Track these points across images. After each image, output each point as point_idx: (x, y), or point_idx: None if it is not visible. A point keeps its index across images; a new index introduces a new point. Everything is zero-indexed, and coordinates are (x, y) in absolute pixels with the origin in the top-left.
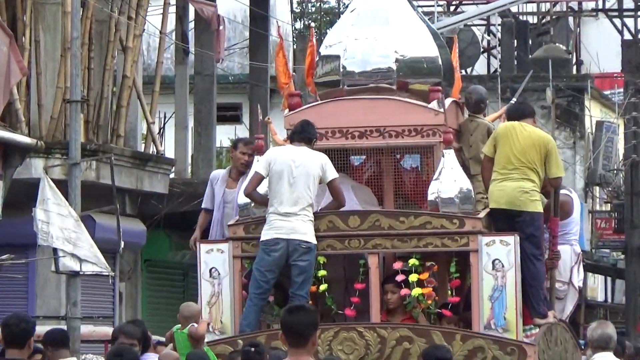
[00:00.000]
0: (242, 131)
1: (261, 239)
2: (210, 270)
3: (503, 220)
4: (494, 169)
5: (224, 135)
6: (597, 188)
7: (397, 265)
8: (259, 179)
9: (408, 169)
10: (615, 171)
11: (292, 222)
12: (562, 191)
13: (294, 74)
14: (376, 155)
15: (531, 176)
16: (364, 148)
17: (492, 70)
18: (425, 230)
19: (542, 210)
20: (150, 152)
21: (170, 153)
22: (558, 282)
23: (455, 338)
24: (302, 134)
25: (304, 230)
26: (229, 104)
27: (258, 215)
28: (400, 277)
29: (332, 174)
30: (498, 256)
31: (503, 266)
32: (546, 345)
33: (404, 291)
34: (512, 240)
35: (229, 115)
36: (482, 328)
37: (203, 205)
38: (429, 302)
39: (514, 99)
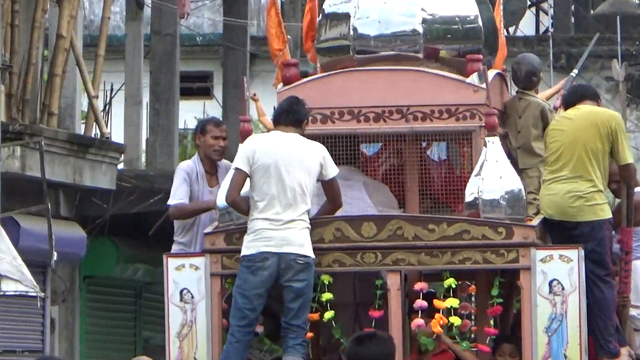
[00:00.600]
0: (213, 109)
1: (243, 254)
2: (181, 292)
3: (558, 233)
4: (545, 167)
5: (190, 113)
6: None
7: (422, 286)
8: (242, 178)
9: (438, 161)
10: None
11: (285, 231)
12: (638, 189)
13: (289, 37)
14: (396, 144)
15: (589, 172)
16: (380, 134)
17: (542, 30)
18: (461, 241)
19: (607, 217)
20: (93, 136)
21: (118, 137)
22: (635, 309)
23: None
24: (291, 115)
25: (300, 241)
26: (196, 73)
27: (243, 221)
28: (421, 304)
29: (333, 170)
30: (557, 276)
31: (563, 289)
32: None
33: (422, 322)
34: (576, 255)
35: (196, 87)
36: None
37: (174, 201)
38: (463, 333)
39: (575, 71)
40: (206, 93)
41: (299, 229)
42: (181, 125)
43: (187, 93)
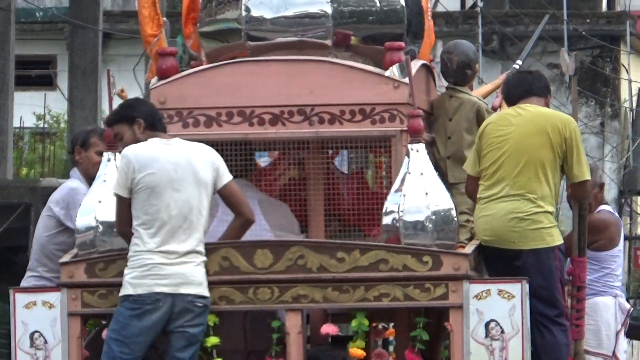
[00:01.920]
0: (57, 101)
1: (126, 293)
2: (32, 335)
3: (497, 263)
4: (480, 181)
5: (27, 107)
6: None
7: (329, 329)
8: (127, 205)
9: (348, 173)
10: None
11: (181, 267)
12: (601, 207)
13: (165, 19)
14: (297, 152)
15: (534, 188)
16: (278, 140)
17: (468, 4)
18: (377, 273)
19: (556, 243)
20: None
21: None
22: (595, 357)
23: None
24: (160, 120)
25: (199, 279)
26: (35, 57)
27: (110, 247)
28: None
29: (227, 175)
30: (495, 316)
31: (503, 332)
32: None
33: None
34: (519, 290)
35: (36, 75)
36: None
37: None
38: None
39: (519, 62)
40: (48, 82)
41: (197, 263)
42: (17, 124)
43: (24, 82)
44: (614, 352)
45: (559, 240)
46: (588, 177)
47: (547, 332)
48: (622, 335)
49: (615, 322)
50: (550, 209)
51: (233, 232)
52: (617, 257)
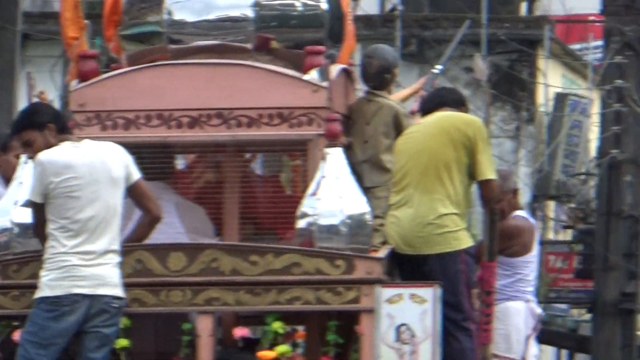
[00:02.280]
0: None
1: (43, 295)
2: None
3: (408, 268)
4: (392, 187)
5: None
6: (552, 203)
7: (241, 332)
8: (42, 211)
9: (264, 177)
10: (583, 177)
11: (98, 268)
12: (515, 213)
13: (87, 22)
14: (214, 155)
15: (437, 190)
16: (195, 143)
17: (387, 8)
18: (290, 276)
19: (463, 246)
20: None
21: None
22: None
23: None
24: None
25: (115, 280)
26: None
27: (24, 249)
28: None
29: (136, 173)
30: (407, 320)
31: (414, 336)
32: None
33: None
34: (431, 295)
35: None
36: None
37: None
38: None
39: (438, 67)
40: None
41: (113, 264)
42: None
43: None
44: (523, 357)
45: (465, 244)
46: (492, 176)
47: (452, 339)
48: (532, 340)
49: (526, 327)
50: (457, 210)
51: (142, 229)
52: (531, 263)
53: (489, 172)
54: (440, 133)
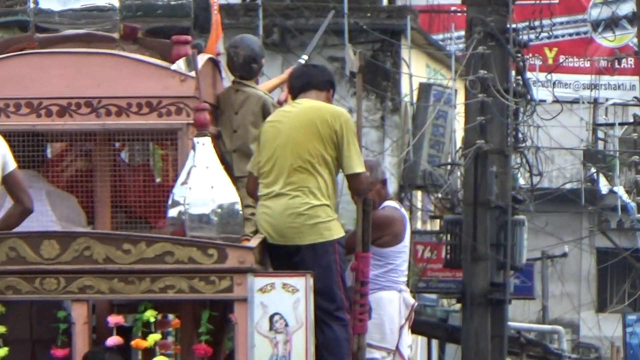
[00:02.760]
0: None
1: None
2: None
3: (280, 258)
4: (259, 179)
5: None
6: (419, 193)
7: (115, 319)
8: None
9: (134, 166)
10: (449, 167)
11: None
12: (386, 203)
13: None
14: (84, 144)
15: (308, 182)
16: (65, 132)
17: None
18: (163, 265)
19: (335, 236)
20: None
21: None
22: (379, 351)
23: None
24: None
25: None
26: None
27: None
28: (115, 341)
29: (12, 162)
30: (279, 309)
31: (287, 325)
32: None
33: None
34: (303, 284)
35: None
36: None
37: None
38: None
39: (305, 57)
40: None
41: None
42: None
43: None
44: (397, 347)
45: (337, 234)
46: (361, 169)
47: (326, 328)
48: (406, 329)
49: (400, 317)
50: (327, 201)
51: (12, 219)
52: (402, 253)
53: (357, 165)
54: (307, 125)
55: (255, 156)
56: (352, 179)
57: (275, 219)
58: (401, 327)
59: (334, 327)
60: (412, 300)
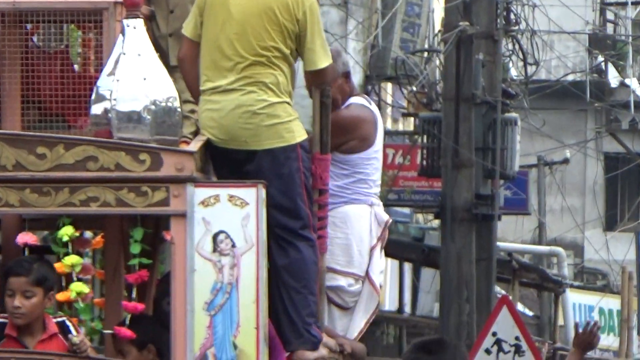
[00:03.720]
0: None
1: None
2: None
3: (227, 165)
4: (202, 67)
5: None
6: (389, 86)
7: (26, 238)
8: None
9: (49, 52)
10: (426, 54)
11: None
12: (351, 100)
13: None
14: None
15: (266, 76)
16: None
17: None
18: (85, 172)
19: (298, 139)
20: None
21: None
22: (345, 277)
23: None
24: None
25: None
26: None
27: None
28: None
29: None
30: (225, 227)
31: (234, 246)
32: None
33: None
34: (254, 196)
35: None
36: None
37: None
38: (83, 309)
39: None
40: None
41: None
42: None
43: None
44: (367, 272)
45: (300, 136)
46: (326, 64)
47: (290, 248)
48: (377, 251)
49: (370, 236)
50: (288, 99)
51: None
52: (373, 160)
53: (322, 60)
54: (264, 11)
55: (192, 17)
56: (316, 74)
57: (223, 118)
58: (372, 249)
59: (300, 247)
60: (385, 217)
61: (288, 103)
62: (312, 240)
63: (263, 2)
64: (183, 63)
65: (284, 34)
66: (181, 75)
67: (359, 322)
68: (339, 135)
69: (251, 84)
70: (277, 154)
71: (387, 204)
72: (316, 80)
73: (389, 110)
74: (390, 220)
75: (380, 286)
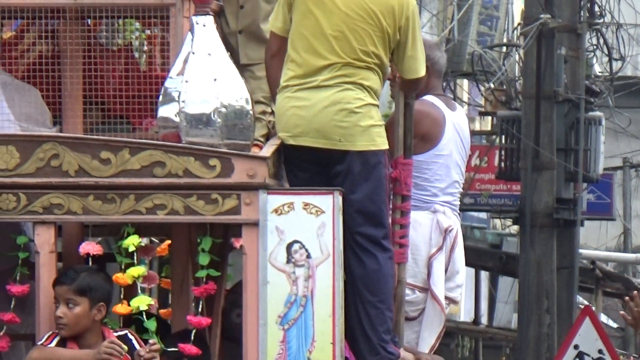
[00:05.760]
0: None
1: None
2: None
3: (309, 168)
4: (287, 61)
5: None
6: (465, 83)
7: (88, 248)
8: None
9: (113, 49)
10: (504, 49)
11: None
12: (426, 97)
13: None
14: (49, 22)
15: (365, 76)
16: (25, 6)
17: None
18: (152, 179)
19: (386, 146)
20: None
21: None
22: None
23: None
24: None
25: None
26: None
27: None
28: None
29: None
30: (299, 236)
31: (309, 256)
32: None
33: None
34: (330, 204)
35: None
36: None
37: None
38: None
39: None
40: None
41: None
42: None
43: None
44: (429, 284)
45: (386, 144)
46: (423, 72)
47: (368, 258)
48: (437, 261)
49: (429, 245)
50: (377, 100)
51: None
52: (435, 164)
53: (421, 68)
54: (367, 15)
55: (280, 10)
56: (415, 82)
57: (316, 115)
58: (431, 258)
59: (378, 258)
60: (447, 222)
61: (377, 105)
62: (391, 251)
63: (367, 4)
64: (274, 61)
65: (385, 41)
66: (265, 74)
67: (428, 339)
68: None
69: (348, 83)
70: (369, 157)
71: (463, 209)
72: (413, 87)
73: (465, 108)
74: (454, 228)
75: (456, 301)
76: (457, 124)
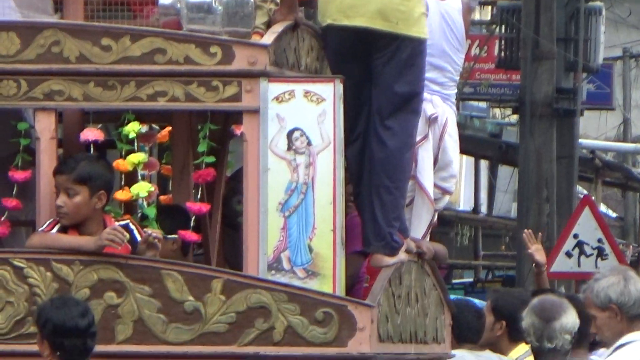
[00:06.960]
0: None
1: None
2: None
3: (360, 50)
4: None
5: None
6: None
7: (90, 135)
8: None
9: None
10: None
11: None
12: None
13: None
14: None
15: None
16: None
17: None
18: (152, 65)
19: (427, 37)
20: None
21: None
22: None
23: (213, 288)
24: None
25: None
26: None
27: None
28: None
29: None
30: (300, 124)
31: (310, 143)
32: (391, 304)
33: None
34: (331, 91)
35: None
36: (262, 268)
37: None
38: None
39: None
40: None
41: None
42: None
43: None
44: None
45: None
46: None
47: (391, 139)
48: (422, 150)
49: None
50: None
51: None
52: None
53: None
54: None
55: None
56: None
57: None
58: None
59: (386, 140)
60: (432, 110)
61: None
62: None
63: None
64: None
65: None
66: None
67: (418, 227)
68: None
69: None
70: (417, 44)
71: (462, 98)
72: None
73: None
74: (436, 114)
75: (449, 192)
76: (445, 12)
